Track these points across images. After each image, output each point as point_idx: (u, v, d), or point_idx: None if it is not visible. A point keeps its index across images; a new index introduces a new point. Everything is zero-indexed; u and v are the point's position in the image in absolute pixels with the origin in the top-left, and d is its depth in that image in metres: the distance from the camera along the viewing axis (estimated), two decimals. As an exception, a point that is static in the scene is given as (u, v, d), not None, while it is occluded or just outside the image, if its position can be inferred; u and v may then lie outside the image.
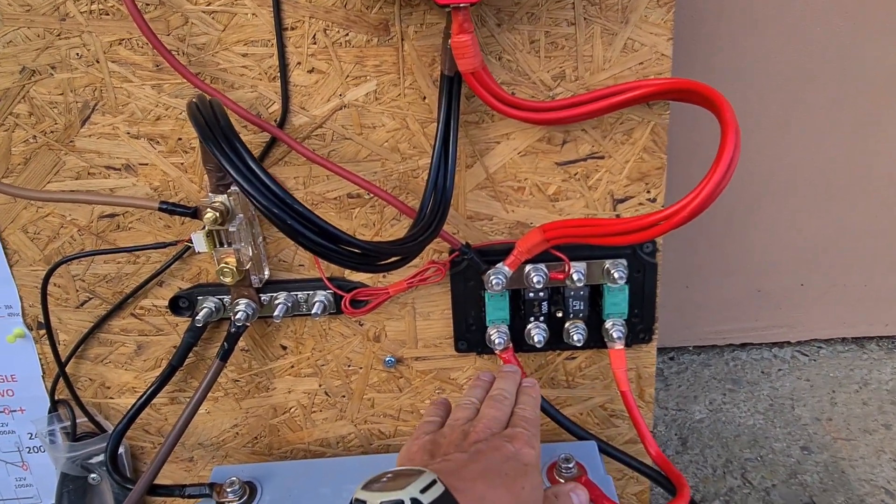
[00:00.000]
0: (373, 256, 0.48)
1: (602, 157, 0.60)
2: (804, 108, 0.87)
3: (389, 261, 0.52)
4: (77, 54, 0.57)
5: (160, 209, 0.57)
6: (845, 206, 0.95)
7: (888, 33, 0.83)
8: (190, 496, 0.60)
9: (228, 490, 0.60)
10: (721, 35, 0.83)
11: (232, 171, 0.42)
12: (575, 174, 0.61)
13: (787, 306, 1.03)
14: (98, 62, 0.57)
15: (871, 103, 0.87)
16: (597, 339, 0.64)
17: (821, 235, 0.97)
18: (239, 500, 0.60)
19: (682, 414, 0.99)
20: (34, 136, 0.59)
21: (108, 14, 0.55)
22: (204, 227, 0.57)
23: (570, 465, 0.58)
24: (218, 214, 0.56)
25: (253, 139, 0.59)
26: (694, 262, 0.99)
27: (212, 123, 0.44)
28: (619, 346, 0.62)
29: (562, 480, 0.58)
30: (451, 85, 0.54)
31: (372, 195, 0.61)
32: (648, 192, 0.61)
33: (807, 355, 1.07)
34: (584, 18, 0.55)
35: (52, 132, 0.59)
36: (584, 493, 0.47)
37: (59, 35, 0.56)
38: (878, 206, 0.95)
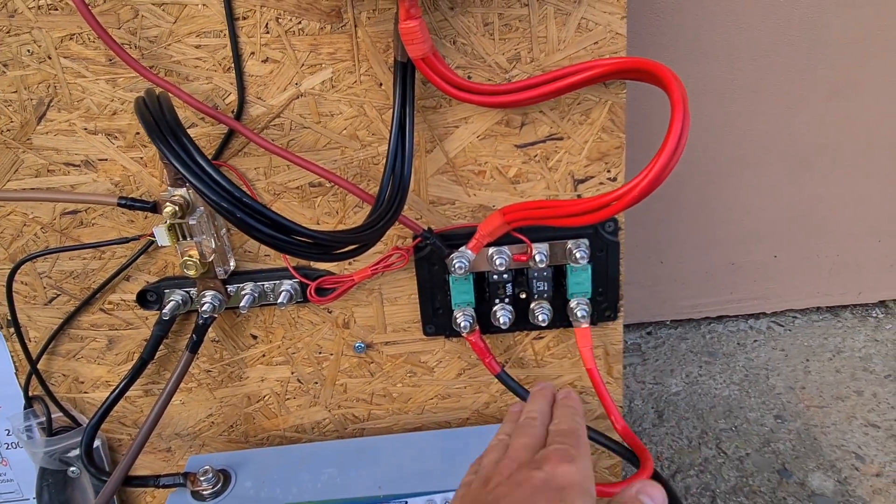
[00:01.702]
0: (328, 245, 0.48)
1: (561, 139, 0.60)
2: (774, 77, 0.87)
3: (348, 249, 0.52)
4: (28, 51, 0.56)
5: (119, 205, 0.57)
6: (817, 176, 0.96)
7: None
8: (164, 486, 0.61)
9: (202, 479, 0.61)
10: (688, 5, 0.83)
11: (179, 167, 0.42)
12: (535, 156, 0.61)
13: (761, 278, 1.05)
14: (50, 58, 0.57)
15: (841, 70, 0.87)
16: (562, 318, 0.65)
17: (793, 206, 0.98)
18: (213, 488, 0.61)
19: (659, 388, 1.01)
20: (-9, 135, 0.59)
21: (56, 9, 0.55)
22: (166, 222, 0.57)
23: (537, 443, 0.59)
24: (177, 208, 0.56)
25: (211, 131, 0.59)
26: (668, 237, 1.00)
27: (158, 118, 0.44)
28: (585, 324, 0.63)
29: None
30: (406, 70, 0.54)
31: (333, 184, 0.61)
32: (609, 171, 0.62)
33: (782, 325, 1.08)
34: (537, -1, 0.55)
35: (8, 130, 0.59)
36: (658, 491, 0.38)
37: (8, 32, 0.56)
38: (850, 175, 0.96)
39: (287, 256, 0.63)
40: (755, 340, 1.06)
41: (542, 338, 0.68)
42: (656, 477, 0.59)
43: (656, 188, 0.48)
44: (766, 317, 1.10)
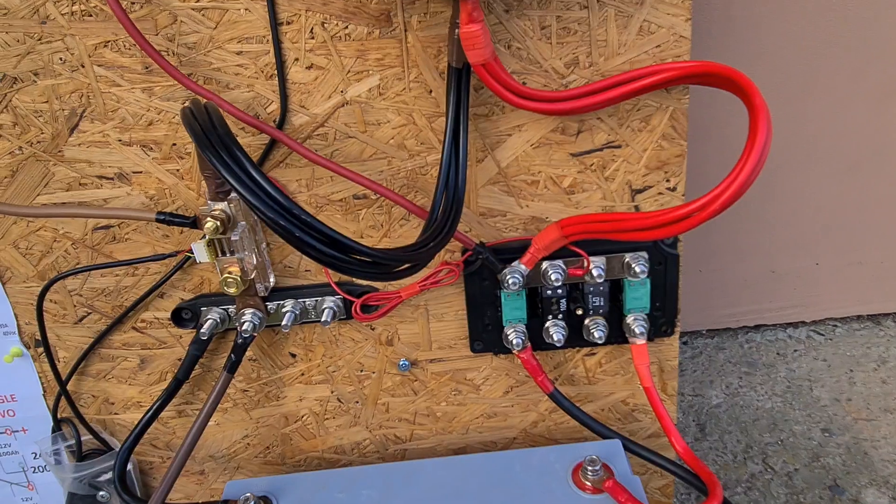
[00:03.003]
0: (385, 265, 0.46)
1: (619, 147, 0.57)
2: (824, 78, 0.84)
3: (401, 268, 0.49)
4: (60, 59, 0.53)
5: (158, 221, 0.54)
6: (862, 180, 0.93)
7: (906, 1, 0.80)
8: (204, 515, 0.58)
9: (243, 507, 0.58)
10: (736, 6, 0.80)
11: (233, 181, 0.40)
12: (591, 165, 0.58)
13: (801, 286, 1.01)
14: (83, 66, 0.54)
15: (891, 72, 0.84)
16: (617, 334, 0.62)
17: (837, 211, 0.95)
18: (255, 516, 0.58)
19: (699, 399, 0.97)
20: (20, 148, 0.56)
21: (91, 15, 0.52)
22: (204, 237, 0.54)
23: (597, 468, 0.56)
24: (219, 223, 0.53)
25: (251, 142, 0.56)
26: (707, 245, 0.97)
27: (208, 130, 0.41)
28: (641, 341, 0.60)
29: (588, 483, 0.56)
30: (460, 77, 0.51)
31: (379, 195, 0.58)
32: (668, 180, 0.59)
33: (822, 335, 1.05)
34: (598, 1, 0.52)
35: (38, 142, 0.56)
36: None
37: (40, 39, 0.53)
38: (896, 180, 0.93)
39: (329, 272, 0.60)
40: (795, 350, 1.03)
41: (594, 354, 0.65)
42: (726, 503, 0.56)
43: (739, 199, 0.45)
44: (806, 326, 1.06)
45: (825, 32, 0.81)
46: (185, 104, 0.45)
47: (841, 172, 0.91)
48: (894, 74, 0.84)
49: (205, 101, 0.45)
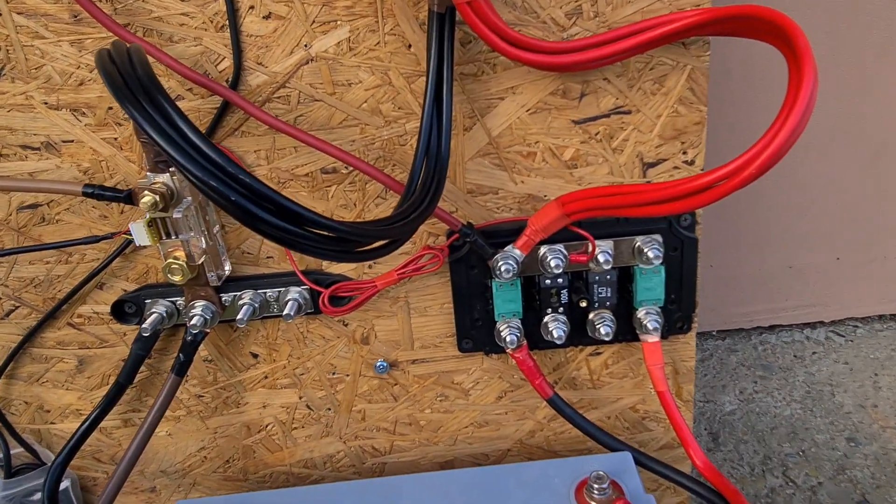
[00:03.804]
0: (351, 241, 0.37)
1: (628, 112, 0.49)
2: (846, 57, 0.77)
3: (374, 246, 0.41)
4: (-27, 5, 0.45)
5: (85, 194, 0.46)
6: (886, 169, 0.85)
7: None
8: (145, 542, 0.50)
9: (191, 533, 0.49)
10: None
11: (153, 133, 0.31)
12: (596, 134, 0.50)
13: (821, 282, 0.94)
14: (0, 15, 0.46)
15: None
16: (626, 330, 0.54)
17: (859, 202, 0.87)
18: (204, 544, 0.50)
19: (711, 406, 0.89)
20: (-70, 111, 0.48)
21: (6, -50, 0.44)
22: (145, 216, 0.46)
23: (604, 485, 0.48)
24: (158, 198, 0.45)
25: (201, 105, 0.48)
26: (719, 237, 0.89)
27: (128, 75, 0.33)
28: (654, 338, 0.52)
29: (593, 503, 0.48)
30: (443, 24, 0.43)
31: (351, 168, 0.50)
32: (685, 153, 0.51)
33: (842, 336, 0.97)
34: (605, -64, 0.44)
35: (-49, 105, 0.48)
36: None
37: (-52, -19, 0.45)
38: (925, 166, 0.85)
39: (294, 257, 0.52)
40: (814, 352, 0.95)
41: (599, 353, 0.57)
42: (756, 529, 0.48)
43: (774, 166, 0.37)
44: (824, 326, 0.99)
45: (849, 8, 0.73)
46: (103, 47, 0.37)
47: (862, 160, 0.84)
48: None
49: (129, 44, 0.37)
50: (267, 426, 0.59)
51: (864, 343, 0.96)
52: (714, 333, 1.00)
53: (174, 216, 0.46)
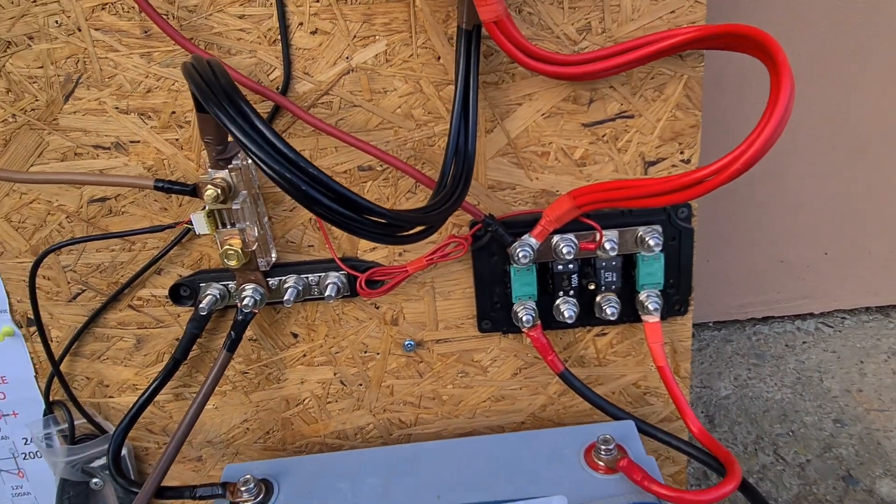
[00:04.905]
0: (396, 226, 0.44)
1: (632, 117, 0.56)
2: (831, 59, 0.83)
3: (412, 232, 0.47)
4: (56, 22, 0.52)
5: (156, 188, 0.52)
6: (871, 166, 0.91)
7: (916, -18, 0.79)
8: (202, 497, 0.56)
9: (243, 489, 0.55)
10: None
11: (237, 132, 0.38)
12: (603, 136, 0.56)
13: (810, 276, 1.00)
14: (80, 30, 0.52)
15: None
16: (629, 312, 0.60)
17: (845, 199, 0.94)
18: (255, 499, 0.55)
19: (708, 391, 0.95)
20: (13, 116, 0.54)
21: (89, -25, 0.50)
22: (204, 207, 0.52)
23: (610, 447, 0.54)
24: (219, 191, 0.51)
25: (254, 109, 0.54)
26: (715, 234, 0.95)
27: (211, 82, 0.40)
28: (655, 318, 0.58)
29: (601, 463, 0.54)
30: (470, 39, 0.50)
31: (385, 166, 0.56)
32: (682, 152, 0.57)
33: (831, 326, 1.04)
34: (612, -37, 0.51)
35: (32, 110, 0.54)
36: None
37: (35, 1, 0.51)
38: (906, 166, 0.91)
39: (333, 247, 0.58)
40: (804, 342, 1.01)
41: (605, 334, 0.63)
42: (745, 484, 0.54)
43: (756, 163, 0.43)
44: (814, 318, 1.05)
45: (835, 10, 0.80)
46: (186, 61, 0.43)
47: (848, 157, 0.90)
48: (904, 55, 0.83)
49: (207, 57, 0.43)
50: (304, 400, 0.66)
51: (851, 333, 1.02)
52: (711, 325, 1.06)
53: (233, 207, 0.52)
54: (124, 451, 0.64)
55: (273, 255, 0.58)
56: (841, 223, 0.95)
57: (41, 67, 0.53)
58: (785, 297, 1.02)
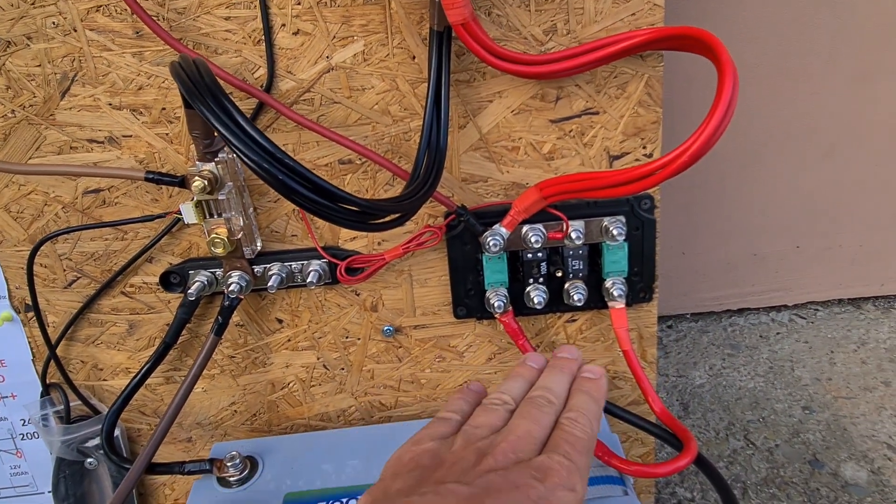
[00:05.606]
0: (370, 214, 0.47)
1: (597, 113, 0.59)
2: (798, 61, 0.86)
3: (386, 220, 0.50)
4: (53, 23, 0.55)
5: (146, 179, 0.55)
6: (840, 163, 0.95)
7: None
8: (190, 472, 0.59)
9: (229, 465, 0.59)
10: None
11: (220, 128, 0.41)
12: (570, 131, 0.60)
13: (783, 269, 1.03)
14: (75, 31, 0.55)
15: (866, 55, 0.87)
16: (597, 299, 0.64)
17: (815, 194, 0.97)
18: (240, 474, 0.59)
19: (683, 380, 0.99)
20: (12, 111, 0.58)
21: (83, -21, 0.54)
22: (193, 198, 0.55)
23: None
24: (206, 183, 0.54)
25: (240, 106, 0.58)
26: (689, 228, 0.99)
27: (196, 81, 0.43)
28: (620, 304, 0.62)
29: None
30: (441, 39, 0.53)
31: (364, 160, 0.60)
32: (644, 147, 0.60)
33: (804, 318, 1.07)
34: (575, -32, 0.54)
35: (31, 106, 0.57)
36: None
37: (33, 3, 0.54)
38: (874, 162, 0.95)
39: (315, 236, 0.62)
40: (778, 333, 1.05)
41: (574, 320, 0.66)
42: (700, 458, 0.57)
43: (704, 155, 0.47)
44: (788, 309, 1.08)
45: (800, 13, 0.83)
46: (174, 60, 0.47)
47: (817, 155, 0.94)
48: (866, 58, 0.86)
49: (193, 57, 0.46)
50: (289, 384, 0.69)
51: (823, 324, 1.05)
52: (688, 316, 1.09)
53: (219, 198, 0.55)
54: (117, 433, 0.67)
55: (258, 243, 0.61)
56: (811, 217, 0.99)
57: (39, 66, 0.56)
58: (759, 290, 1.05)
